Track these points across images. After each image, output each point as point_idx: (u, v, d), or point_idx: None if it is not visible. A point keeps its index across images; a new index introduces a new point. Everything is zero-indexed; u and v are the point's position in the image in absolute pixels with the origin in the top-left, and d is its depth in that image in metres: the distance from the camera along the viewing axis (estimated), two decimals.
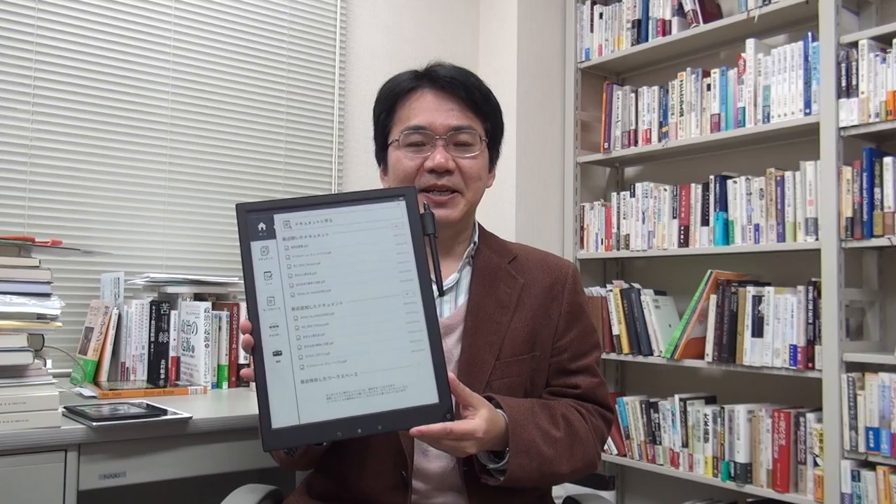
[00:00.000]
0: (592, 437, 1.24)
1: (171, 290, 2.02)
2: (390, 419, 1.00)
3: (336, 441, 1.21)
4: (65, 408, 1.46)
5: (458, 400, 1.06)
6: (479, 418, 1.07)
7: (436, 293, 1.08)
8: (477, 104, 1.29)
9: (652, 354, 2.50)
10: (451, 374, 1.03)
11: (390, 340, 1.03)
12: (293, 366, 1.00)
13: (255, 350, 0.99)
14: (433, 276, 1.08)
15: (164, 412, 1.49)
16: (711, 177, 2.39)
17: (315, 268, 1.03)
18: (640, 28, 2.65)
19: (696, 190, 2.44)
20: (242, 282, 1.04)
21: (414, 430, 0.99)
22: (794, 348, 2.13)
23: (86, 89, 2.10)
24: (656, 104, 2.59)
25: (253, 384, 1.04)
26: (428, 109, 1.27)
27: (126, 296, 1.98)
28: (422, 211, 1.09)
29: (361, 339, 1.02)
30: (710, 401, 2.44)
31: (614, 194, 2.70)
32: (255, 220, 1.04)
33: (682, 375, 2.64)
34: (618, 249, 2.67)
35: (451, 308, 1.29)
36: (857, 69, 2.04)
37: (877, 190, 2.00)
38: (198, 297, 2.03)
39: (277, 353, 1.00)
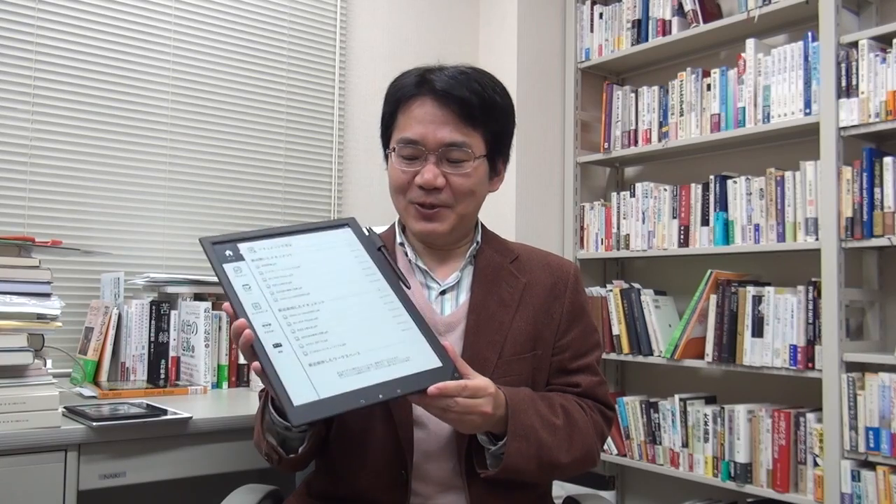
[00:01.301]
0: (592, 430, 1.24)
1: (171, 290, 2.02)
2: (405, 383, 1.03)
3: (335, 439, 1.22)
4: (65, 408, 1.46)
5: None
6: (484, 378, 1.11)
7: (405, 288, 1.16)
8: (475, 117, 1.24)
9: (652, 354, 2.49)
10: (447, 343, 1.09)
11: (378, 325, 1.09)
12: (296, 353, 1.02)
13: (256, 345, 1.00)
14: (398, 275, 1.17)
15: (164, 412, 1.49)
16: (711, 177, 2.39)
17: (290, 278, 1.10)
18: (640, 28, 2.65)
19: (696, 190, 2.44)
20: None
21: (432, 388, 1.02)
22: (794, 348, 2.13)
23: (86, 89, 2.10)
24: (656, 104, 2.59)
25: (257, 380, 1.06)
26: (424, 122, 1.23)
27: (126, 296, 1.98)
28: (366, 233, 1.20)
29: (352, 326, 1.07)
30: (710, 401, 2.44)
31: (614, 194, 2.70)
32: (221, 248, 1.11)
33: (682, 375, 2.64)
34: (618, 249, 2.67)
35: (453, 306, 1.28)
36: (857, 69, 2.04)
37: (877, 190, 2.00)
38: (198, 297, 2.03)
39: (277, 345, 1.01)
